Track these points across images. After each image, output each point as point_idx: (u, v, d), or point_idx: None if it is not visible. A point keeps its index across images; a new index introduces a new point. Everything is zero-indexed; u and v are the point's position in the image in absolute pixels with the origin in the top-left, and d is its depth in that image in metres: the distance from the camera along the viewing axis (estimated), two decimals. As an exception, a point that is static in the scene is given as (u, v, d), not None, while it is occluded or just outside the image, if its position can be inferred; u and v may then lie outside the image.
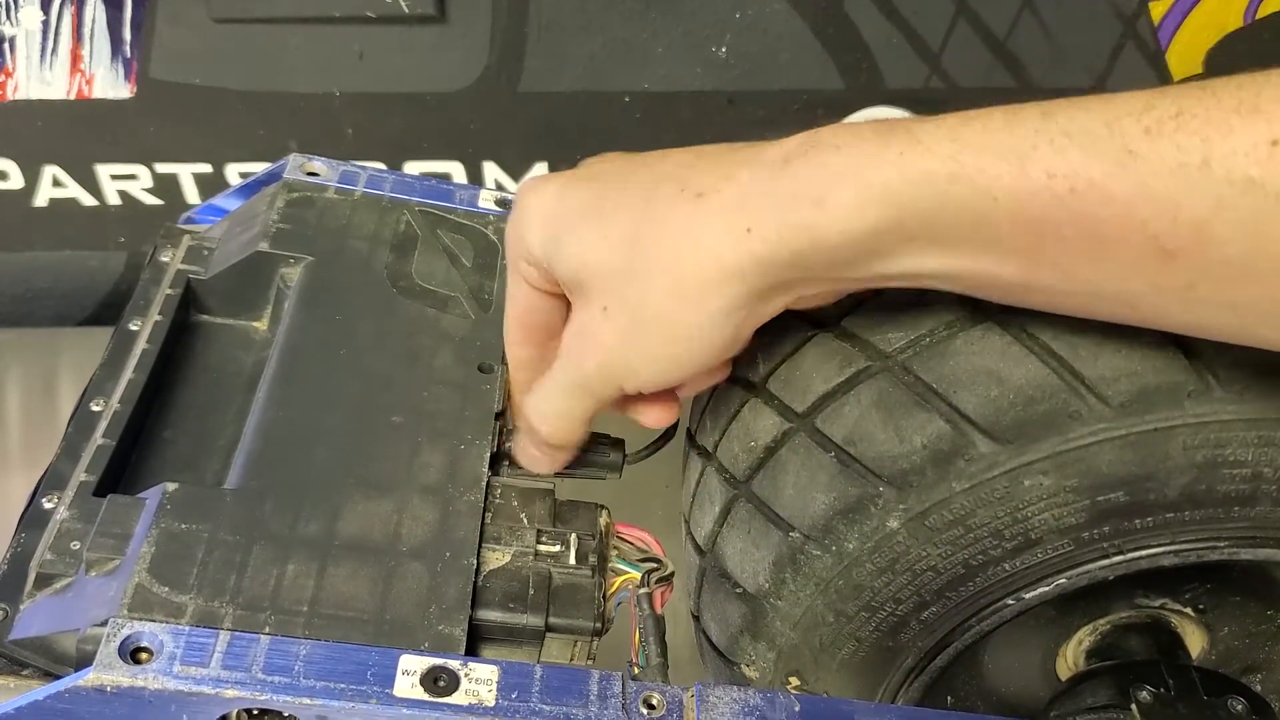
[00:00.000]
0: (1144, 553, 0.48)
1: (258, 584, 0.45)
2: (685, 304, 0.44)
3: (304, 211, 0.62)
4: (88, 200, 1.12)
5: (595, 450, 0.56)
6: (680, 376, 0.47)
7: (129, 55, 1.03)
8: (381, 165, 1.03)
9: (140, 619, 0.43)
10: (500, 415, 0.55)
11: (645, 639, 0.50)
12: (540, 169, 1.12)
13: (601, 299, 0.46)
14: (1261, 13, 1.05)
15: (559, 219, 0.47)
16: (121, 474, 0.53)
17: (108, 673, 0.41)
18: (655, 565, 0.52)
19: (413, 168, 1.11)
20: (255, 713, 0.43)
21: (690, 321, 0.44)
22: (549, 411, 0.50)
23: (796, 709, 0.45)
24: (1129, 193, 0.37)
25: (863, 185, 0.40)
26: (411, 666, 0.43)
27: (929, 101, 1.09)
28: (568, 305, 0.49)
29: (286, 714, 0.43)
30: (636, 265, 0.44)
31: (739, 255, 0.42)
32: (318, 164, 0.65)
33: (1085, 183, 0.38)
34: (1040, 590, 0.49)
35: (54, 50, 1.02)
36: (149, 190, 1.12)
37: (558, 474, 0.55)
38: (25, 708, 0.42)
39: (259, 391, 0.54)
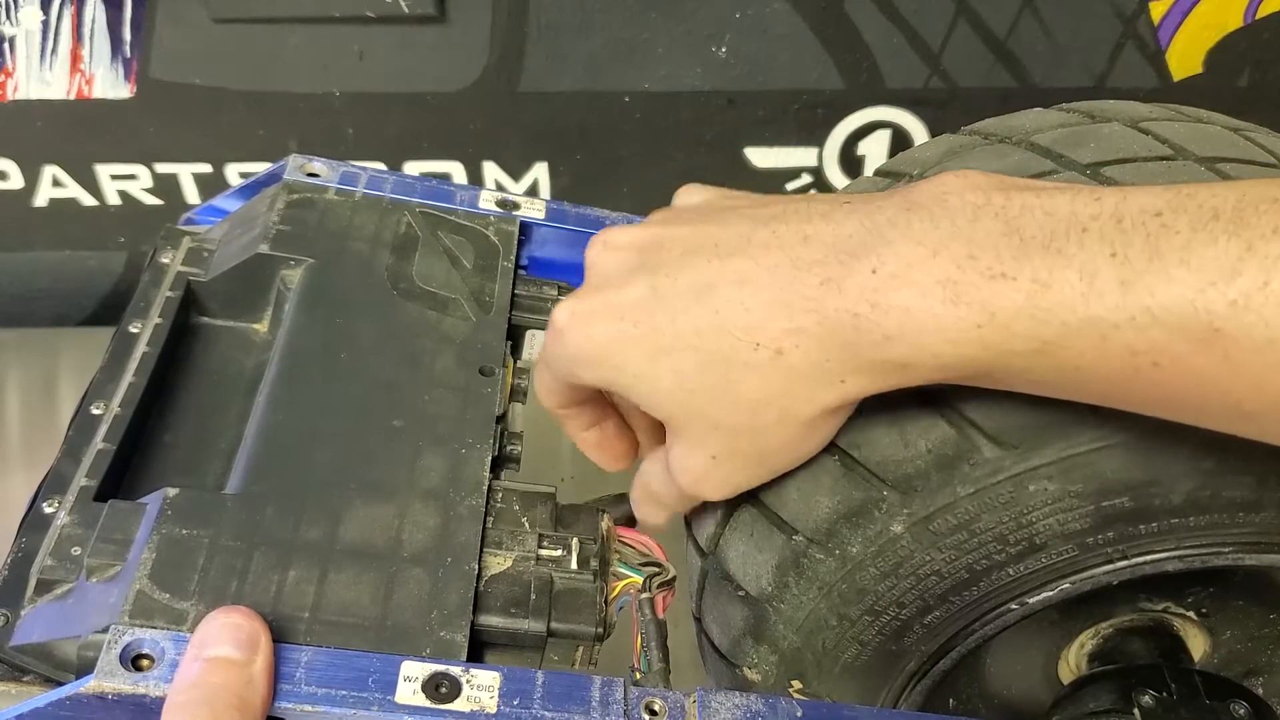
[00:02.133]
0: (1148, 558, 0.48)
1: (259, 590, 0.45)
2: (800, 442, 0.47)
3: (304, 213, 0.62)
4: (88, 200, 1.12)
5: None
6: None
7: (129, 55, 1.03)
8: (382, 165, 1.03)
9: (141, 626, 0.43)
10: (501, 418, 0.55)
11: (647, 644, 0.50)
12: (540, 169, 1.12)
13: (707, 448, 0.47)
14: (1261, 13, 1.05)
15: (614, 363, 0.47)
16: (122, 478, 0.52)
17: (109, 680, 0.41)
18: (657, 569, 0.52)
19: (413, 168, 1.11)
20: None
21: (807, 451, 0.48)
22: (668, 500, 0.52)
23: (799, 714, 0.45)
24: (1213, 367, 0.36)
25: (943, 360, 0.41)
26: (413, 673, 0.43)
27: (929, 102, 1.09)
28: None
29: (288, 720, 0.43)
30: (740, 422, 0.45)
31: (843, 398, 0.44)
32: (318, 165, 0.65)
33: (1169, 359, 0.37)
34: (1044, 595, 0.49)
35: (54, 50, 1.02)
36: (149, 190, 1.12)
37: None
38: (26, 715, 0.42)
39: (259, 395, 0.54)
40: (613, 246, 0.49)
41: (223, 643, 0.42)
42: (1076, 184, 0.41)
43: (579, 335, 0.47)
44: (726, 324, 0.44)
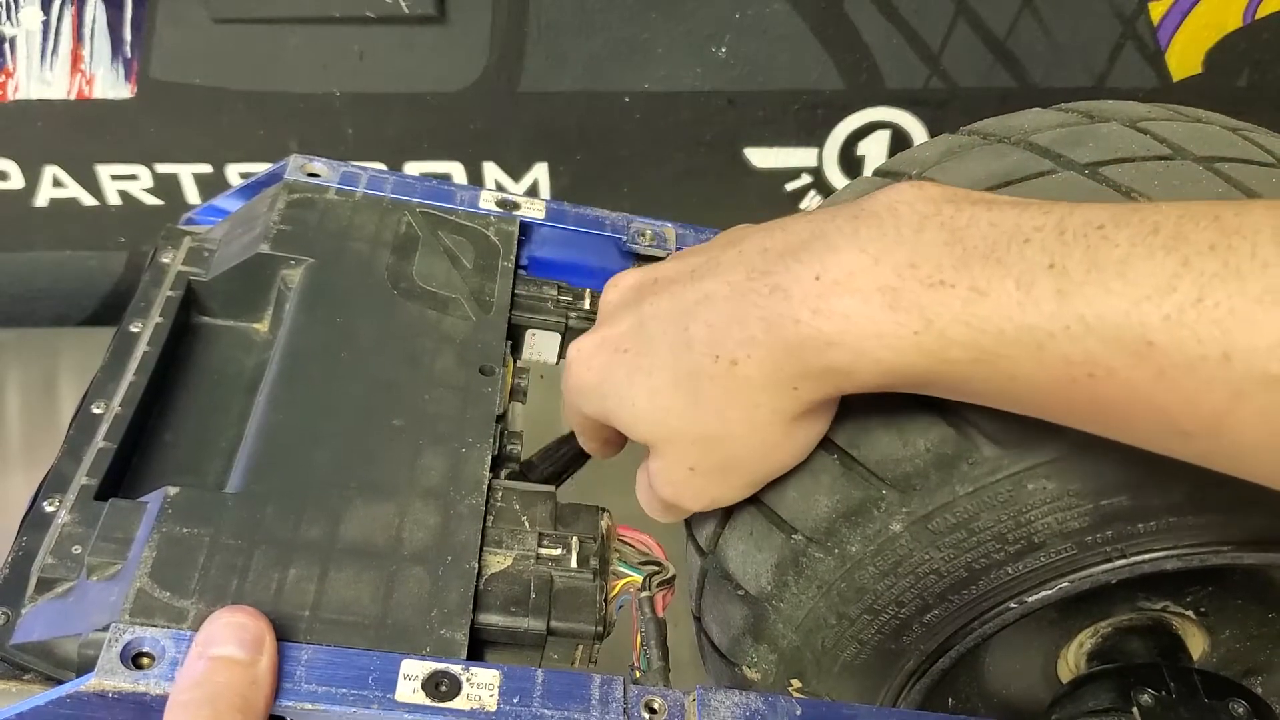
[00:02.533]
0: (1147, 556, 0.48)
1: (259, 588, 0.45)
2: (777, 451, 0.47)
3: (305, 213, 0.62)
4: (88, 200, 1.12)
5: None
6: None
7: (129, 55, 1.03)
8: (382, 166, 1.03)
9: (142, 624, 0.43)
10: (501, 418, 0.55)
11: (647, 643, 0.50)
12: (540, 169, 1.12)
13: (684, 461, 0.48)
14: (1261, 13, 1.05)
15: (604, 389, 0.49)
16: (123, 477, 0.53)
17: (110, 678, 0.41)
18: (657, 568, 0.53)
19: (413, 168, 1.11)
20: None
21: (787, 459, 0.48)
22: (652, 511, 0.53)
23: (798, 713, 0.45)
24: (1147, 381, 0.36)
25: (883, 367, 0.41)
26: (413, 671, 0.43)
27: (929, 102, 1.09)
28: None
29: (288, 719, 0.43)
30: (712, 433, 0.46)
31: (801, 405, 0.45)
32: (318, 165, 0.65)
33: (1104, 370, 0.37)
34: (1043, 594, 0.49)
35: (54, 50, 1.02)
36: (149, 190, 1.12)
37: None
38: (27, 713, 0.42)
39: (260, 394, 0.54)
40: (617, 288, 0.52)
41: (227, 642, 0.42)
42: (1033, 199, 0.41)
43: (580, 369, 0.50)
44: (693, 341, 0.45)
